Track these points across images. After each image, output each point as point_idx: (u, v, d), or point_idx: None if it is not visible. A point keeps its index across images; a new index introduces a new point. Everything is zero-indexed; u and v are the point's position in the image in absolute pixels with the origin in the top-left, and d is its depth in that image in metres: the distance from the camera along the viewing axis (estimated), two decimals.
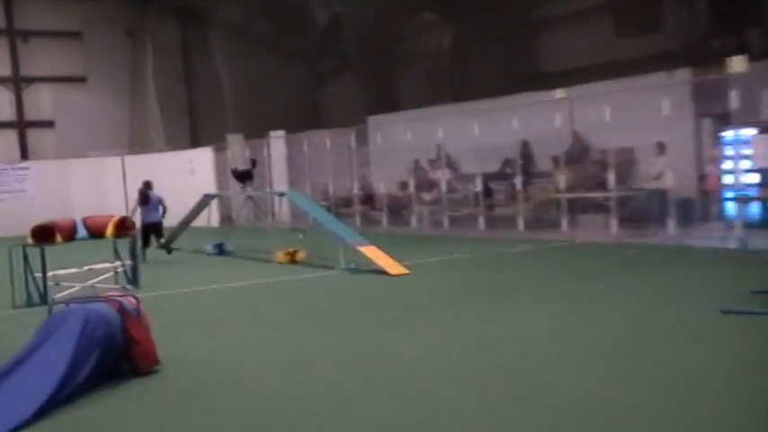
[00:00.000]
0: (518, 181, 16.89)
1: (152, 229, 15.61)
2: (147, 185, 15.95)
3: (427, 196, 19.92)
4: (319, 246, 15.46)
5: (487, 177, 18.03)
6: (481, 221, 17.68)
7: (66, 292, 10.91)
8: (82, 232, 23.10)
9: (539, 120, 16.54)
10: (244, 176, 16.96)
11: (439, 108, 20.59)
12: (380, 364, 6.30)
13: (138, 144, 29.37)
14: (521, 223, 16.70)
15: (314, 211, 15.24)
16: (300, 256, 14.23)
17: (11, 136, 28.61)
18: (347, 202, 22.05)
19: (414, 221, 19.68)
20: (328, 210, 18.28)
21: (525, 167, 17.16)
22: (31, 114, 28.83)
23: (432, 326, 7.82)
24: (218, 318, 9.15)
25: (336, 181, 22.19)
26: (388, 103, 24.81)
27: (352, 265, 12.45)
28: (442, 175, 19.02)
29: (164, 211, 15.74)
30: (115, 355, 6.27)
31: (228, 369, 6.48)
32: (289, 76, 28.17)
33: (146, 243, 15.38)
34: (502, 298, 9.29)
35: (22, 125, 28.73)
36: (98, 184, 26.97)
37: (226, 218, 24.46)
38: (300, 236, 18.37)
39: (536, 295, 9.26)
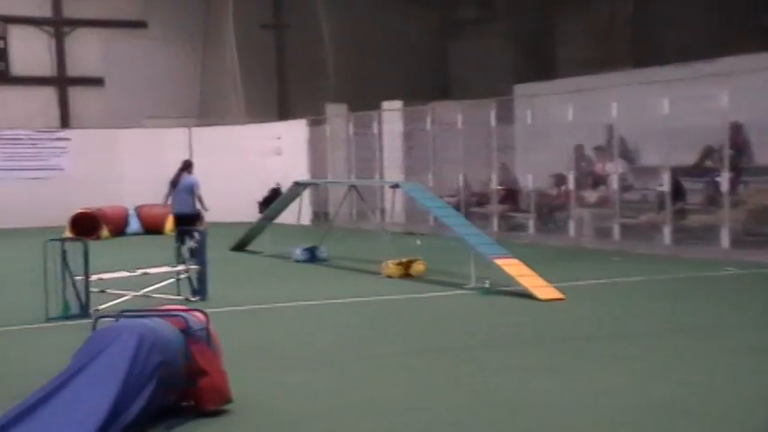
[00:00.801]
0: (724, 179, 16.35)
1: (182, 222, 15.60)
2: (186, 166, 16.57)
3: (591, 196, 19.58)
4: (443, 256, 15.41)
5: (678, 173, 17.57)
6: (666, 233, 17.24)
7: (114, 302, 11.31)
8: (134, 225, 24.54)
9: (762, 95, 15.96)
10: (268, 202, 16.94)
11: (613, 76, 20.16)
12: (529, 425, 6.21)
13: (210, 113, 30.34)
14: (725, 237, 16.17)
15: (437, 209, 15.25)
16: (417, 268, 14.27)
17: (49, 95, 30.09)
18: (482, 200, 21.97)
19: (571, 229, 19.39)
20: (456, 208, 18.25)
21: (736, 160, 16.61)
22: (74, 69, 30.26)
23: (595, 374, 7.66)
24: (305, 345, 9.29)
25: (469, 171, 22.13)
26: (544, 69, 24.52)
27: (487, 284, 12.38)
28: (614, 168, 18.67)
29: (200, 202, 16.26)
30: (175, 390, 6.44)
31: (319, 417, 6.54)
32: (410, 28, 28.38)
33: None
34: (694, 341, 9.02)
35: (62, 81, 30.21)
36: (156, 163, 27.99)
37: (320, 214, 24.88)
38: (418, 241, 18.42)
39: (746, 341, 8.90)
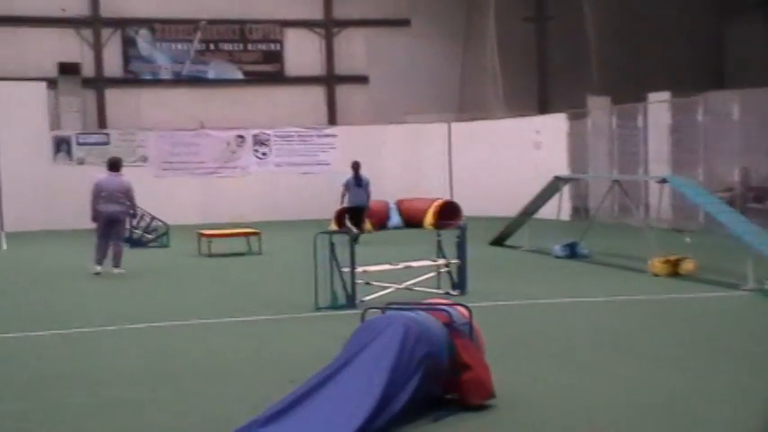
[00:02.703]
0: None
1: (357, 213, 19.90)
2: (358, 167, 19.97)
3: None
4: (715, 254, 14.78)
5: None
6: None
7: (378, 293, 11.62)
8: (395, 219, 25.13)
9: None
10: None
11: None
12: None
13: (469, 107, 30.59)
14: None
15: (709, 205, 14.56)
16: (687, 266, 13.70)
17: (317, 93, 31.51)
18: (760, 195, 20.75)
19: None
20: (730, 204, 17.32)
21: None
22: (341, 68, 31.48)
23: None
24: (567, 342, 9.13)
25: (746, 164, 20.94)
26: None
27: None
28: None
29: (368, 197, 19.94)
30: (439, 381, 6.52)
31: (588, 416, 6.40)
32: (682, 13, 27.16)
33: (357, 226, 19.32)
34: None
35: (331, 80, 31.53)
36: (415, 158, 28.65)
37: (581, 209, 24.46)
38: (687, 239, 17.68)
39: None
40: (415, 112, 29.87)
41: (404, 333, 6.27)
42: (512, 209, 19.46)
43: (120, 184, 15.61)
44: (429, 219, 23.54)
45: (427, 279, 12.54)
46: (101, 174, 16.01)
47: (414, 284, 12.17)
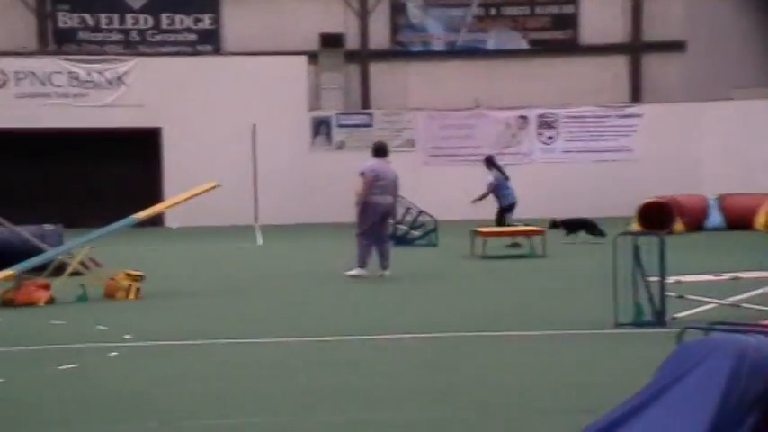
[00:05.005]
0: None
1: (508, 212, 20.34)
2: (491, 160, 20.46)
3: None
4: None
5: None
6: None
7: (694, 310, 11.01)
8: (715, 218, 24.05)
9: None
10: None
11: None
12: None
13: None
14: None
15: None
16: None
17: (618, 65, 30.72)
18: None
19: None
20: None
21: None
22: (650, 33, 30.49)
23: None
24: None
25: None
26: None
27: None
28: None
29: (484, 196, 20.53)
30: None
31: None
32: None
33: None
34: None
35: (636, 49, 30.64)
36: (743, 143, 27.24)
37: None
38: None
39: None
40: (743, 87, 28.39)
41: (734, 363, 5.73)
42: None
43: (393, 173, 15.73)
44: (762, 219, 22.37)
45: (762, 295, 11.70)
46: (370, 160, 15.95)
47: (742, 300, 11.39)
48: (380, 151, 15.95)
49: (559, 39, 30.52)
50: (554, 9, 30.47)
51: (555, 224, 20.78)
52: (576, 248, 18.74)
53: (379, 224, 15.58)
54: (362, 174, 15.42)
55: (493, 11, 30.67)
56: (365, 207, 15.39)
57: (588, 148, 28.43)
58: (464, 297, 13.72)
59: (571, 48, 30.44)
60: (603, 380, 8.12)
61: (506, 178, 20.29)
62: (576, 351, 9.77)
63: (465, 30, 30.61)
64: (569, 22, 30.46)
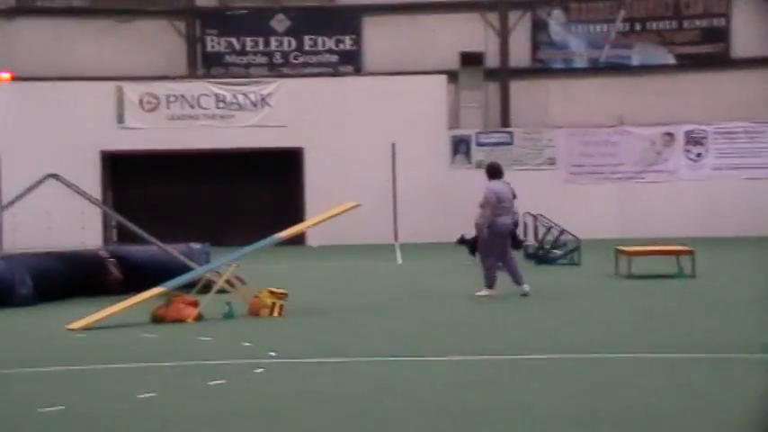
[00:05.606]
0: None
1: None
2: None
3: None
4: None
5: None
6: None
7: None
8: None
9: None
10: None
11: None
12: None
13: None
14: None
15: None
16: None
17: None
18: None
19: None
20: None
21: None
22: None
23: None
24: None
25: None
26: None
27: None
28: None
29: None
30: None
31: None
32: None
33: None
34: None
35: None
36: None
37: None
38: None
39: None
40: None
41: None
42: None
43: (512, 192, 16.01)
44: None
45: None
46: (492, 181, 15.95)
47: None
48: (497, 172, 16.01)
49: (708, 52, 29.77)
50: (704, 23, 29.73)
51: (461, 241, 20.90)
52: (732, 267, 18.08)
53: (504, 243, 15.67)
54: (486, 197, 15.58)
55: (638, 26, 30.13)
56: (494, 228, 15.50)
57: (739, 165, 27.67)
58: (601, 317, 13.52)
59: (721, 62, 29.63)
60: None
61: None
62: (724, 377, 9.36)
63: (608, 45, 30.17)
64: (720, 35, 29.68)
